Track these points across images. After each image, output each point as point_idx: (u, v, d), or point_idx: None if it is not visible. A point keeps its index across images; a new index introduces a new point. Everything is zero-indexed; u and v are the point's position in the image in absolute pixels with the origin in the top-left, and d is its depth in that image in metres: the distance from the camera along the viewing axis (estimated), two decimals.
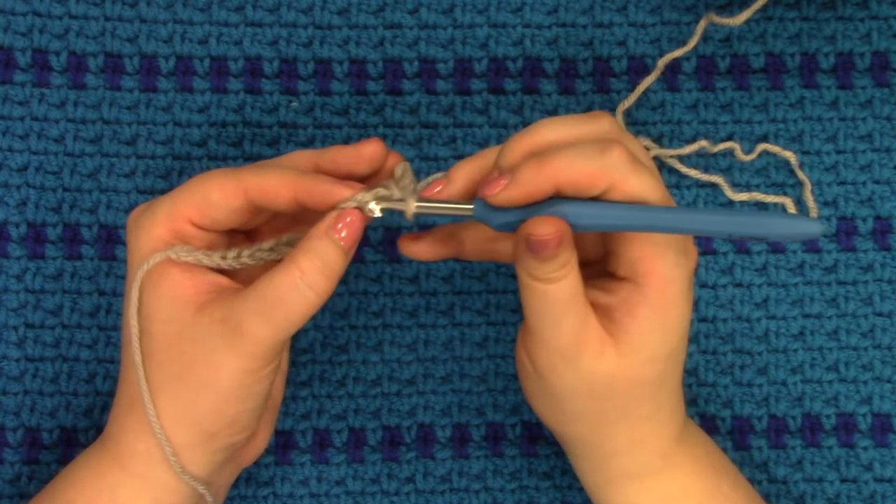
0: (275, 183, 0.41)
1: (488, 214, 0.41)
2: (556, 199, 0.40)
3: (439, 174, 0.44)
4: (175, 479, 0.43)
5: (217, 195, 0.42)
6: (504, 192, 0.40)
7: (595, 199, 0.40)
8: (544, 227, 0.39)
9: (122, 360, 0.44)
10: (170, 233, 0.42)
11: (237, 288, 0.43)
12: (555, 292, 0.40)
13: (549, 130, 0.41)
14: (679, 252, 0.41)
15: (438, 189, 0.42)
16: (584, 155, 0.39)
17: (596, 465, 0.45)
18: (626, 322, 0.41)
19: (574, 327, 0.41)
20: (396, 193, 0.42)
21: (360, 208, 0.41)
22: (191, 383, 0.41)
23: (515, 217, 0.40)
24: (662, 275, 0.41)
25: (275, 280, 0.40)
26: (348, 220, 0.41)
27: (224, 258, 0.43)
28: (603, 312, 0.42)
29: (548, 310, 0.41)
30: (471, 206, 0.41)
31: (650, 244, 0.40)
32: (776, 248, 0.53)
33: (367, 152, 0.44)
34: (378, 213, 0.42)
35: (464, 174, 0.43)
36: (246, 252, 0.43)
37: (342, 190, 0.41)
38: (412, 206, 0.42)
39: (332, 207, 0.41)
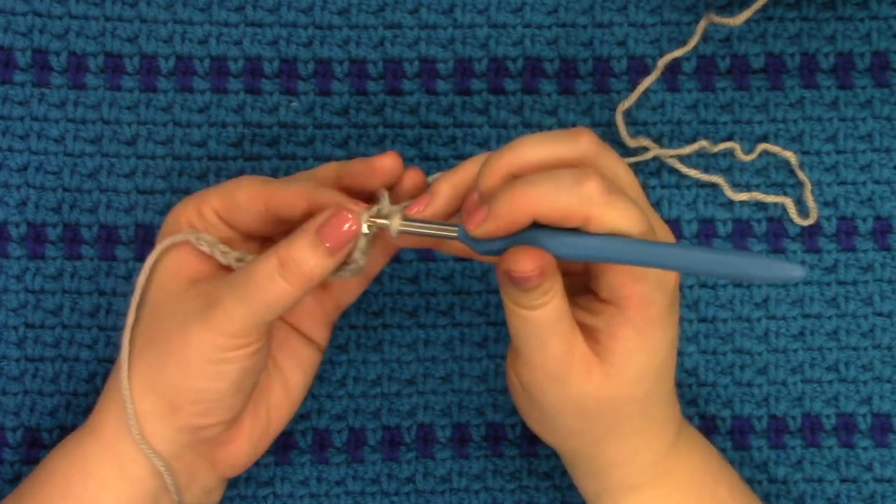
0: (293, 195, 0.43)
1: (471, 241, 0.41)
2: (537, 227, 0.39)
3: (437, 174, 0.44)
4: (139, 453, 0.43)
5: (243, 197, 0.43)
6: (483, 227, 0.39)
7: (575, 230, 0.39)
8: (524, 264, 0.39)
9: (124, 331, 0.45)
10: (196, 213, 0.44)
11: (224, 270, 0.45)
12: (539, 317, 0.40)
13: (529, 149, 0.40)
14: (660, 274, 0.41)
15: (420, 208, 0.42)
16: (559, 188, 0.38)
17: (590, 478, 0.45)
18: (609, 344, 0.41)
19: (559, 350, 0.41)
20: (384, 210, 0.42)
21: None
22: (161, 351, 0.42)
23: (497, 245, 0.40)
24: (643, 298, 0.40)
25: (256, 264, 0.41)
26: (338, 222, 0.41)
27: (239, 260, 0.44)
28: (588, 334, 0.42)
29: (532, 333, 0.41)
30: (455, 229, 0.41)
31: (629, 269, 0.40)
32: (776, 248, 0.53)
33: (381, 165, 0.44)
34: (365, 230, 0.42)
35: (447, 190, 0.42)
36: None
37: (348, 206, 0.42)
38: (396, 224, 0.42)
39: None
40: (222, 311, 0.41)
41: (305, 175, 0.46)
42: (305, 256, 0.41)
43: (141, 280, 0.44)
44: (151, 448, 0.43)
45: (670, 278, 0.41)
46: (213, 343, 0.41)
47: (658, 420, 0.44)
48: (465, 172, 0.42)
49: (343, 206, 0.42)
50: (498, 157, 0.40)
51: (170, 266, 0.44)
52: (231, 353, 0.42)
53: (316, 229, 0.41)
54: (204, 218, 0.44)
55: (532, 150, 0.40)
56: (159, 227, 0.47)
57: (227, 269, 0.44)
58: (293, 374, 0.48)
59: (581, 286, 0.43)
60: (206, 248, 0.44)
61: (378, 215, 0.42)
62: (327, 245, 0.41)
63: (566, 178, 0.38)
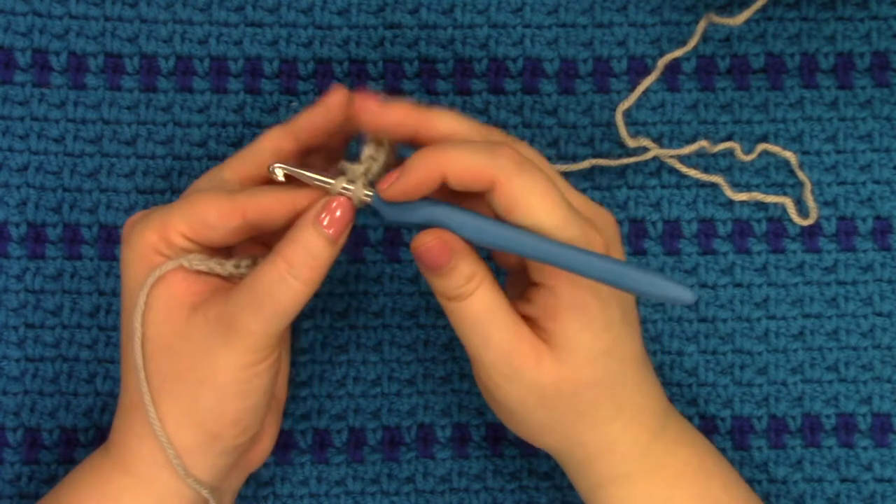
0: (271, 202, 0.42)
1: (384, 207, 0.41)
2: (442, 208, 0.40)
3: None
4: (180, 483, 0.43)
5: (214, 218, 0.41)
6: (395, 185, 0.40)
7: (482, 215, 0.40)
8: (425, 237, 0.39)
9: (123, 365, 0.44)
10: (162, 241, 0.42)
11: (230, 286, 0.43)
12: (469, 309, 0.40)
13: (446, 122, 0.41)
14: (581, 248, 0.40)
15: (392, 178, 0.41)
16: (472, 150, 0.39)
17: (578, 473, 0.45)
18: (551, 327, 0.41)
19: (502, 342, 0.41)
20: (356, 174, 0.42)
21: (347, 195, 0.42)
22: (190, 383, 0.42)
23: (407, 218, 0.40)
24: (568, 276, 0.40)
25: (262, 273, 0.41)
26: (334, 207, 0.41)
27: (237, 267, 0.43)
28: (533, 322, 0.41)
29: (470, 328, 0.41)
30: (370, 194, 0.41)
31: None
32: (776, 248, 0.53)
33: (334, 103, 0.43)
34: (363, 197, 0.42)
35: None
36: (261, 255, 0.44)
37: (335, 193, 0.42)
38: (337, 187, 0.42)
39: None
40: (244, 330, 0.41)
41: (251, 153, 0.44)
42: (313, 250, 0.41)
43: (136, 316, 0.42)
44: (199, 482, 0.43)
45: (595, 247, 0.41)
46: (242, 363, 0.41)
47: (630, 407, 0.43)
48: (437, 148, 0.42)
49: (333, 197, 0.41)
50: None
51: (162, 299, 0.42)
52: (259, 366, 0.42)
53: (314, 222, 0.41)
54: (172, 244, 0.42)
55: (450, 123, 0.42)
56: None
57: (223, 280, 0.43)
58: (284, 351, 0.48)
59: (522, 279, 0.43)
60: (203, 268, 0.42)
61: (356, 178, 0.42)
62: (330, 233, 0.41)
63: (481, 144, 0.40)
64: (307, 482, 0.52)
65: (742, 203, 0.54)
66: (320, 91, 0.54)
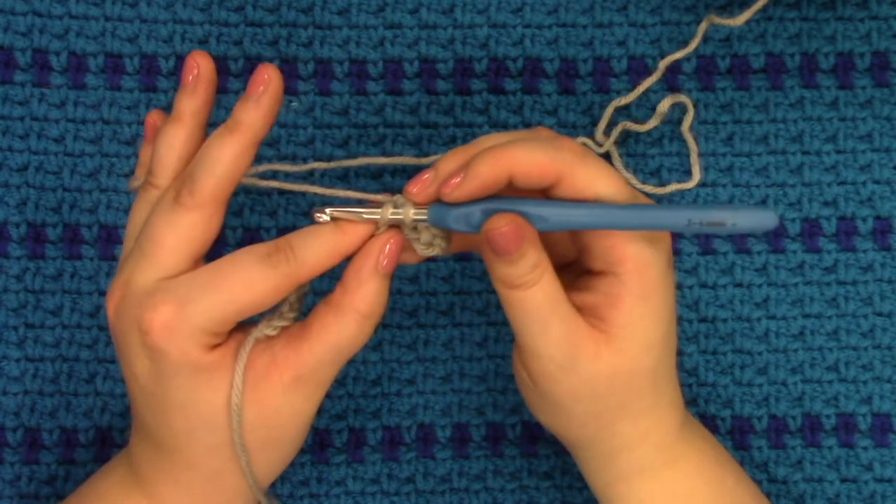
0: (321, 261, 0.40)
1: (442, 218, 0.40)
2: (510, 199, 0.40)
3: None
4: None
5: (269, 299, 0.40)
6: (461, 187, 0.39)
7: (550, 199, 0.40)
8: (500, 221, 0.39)
9: (181, 450, 0.42)
10: (213, 336, 0.40)
11: (281, 339, 0.42)
12: (532, 298, 0.40)
13: (492, 139, 0.41)
14: (651, 234, 0.41)
15: (427, 177, 0.41)
16: (535, 146, 0.39)
17: (603, 464, 0.45)
18: (613, 315, 0.41)
19: (562, 332, 0.40)
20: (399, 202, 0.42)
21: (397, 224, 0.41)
22: (276, 445, 0.42)
23: (474, 220, 0.40)
24: (637, 259, 0.40)
25: (344, 331, 0.40)
26: (391, 248, 0.41)
27: (291, 307, 0.42)
28: (589, 311, 0.41)
29: (530, 318, 0.40)
30: (423, 212, 0.41)
31: (620, 232, 0.40)
32: (776, 248, 0.53)
33: (277, 93, 0.41)
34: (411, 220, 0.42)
35: (485, 170, 0.41)
36: (304, 292, 0.43)
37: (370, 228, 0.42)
38: (388, 214, 0.41)
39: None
40: (325, 383, 0.42)
41: (217, 171, 0.40)
42: (381, 294, 0.41)
43: (236, 422, 0.40)
44: None
45: (663, 238, 0.41)
46: (316, 407, 0.42)
47: (666, 398, 0.44)
48: (472, 149, 0.42)
49: (387, 236, 0.41)
50: (461, 148, 0.41)
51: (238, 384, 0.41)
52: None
53: (378, 269, 0.41)
54: (221, 334, 0.40)
55: (495, 140, 0.41)
56: None
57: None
58: None
59: (572, 277, 0.43)
60: (273, 332, 0.42)
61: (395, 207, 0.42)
62: (389, 272, 0.41)
63: (543, 140, 0.40)
64: (307, 482, 0.52)
65: (742, 203, 0.54)
66: (321, 91, 0.54)
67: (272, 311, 0.42)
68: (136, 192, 0.43)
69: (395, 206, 0.41)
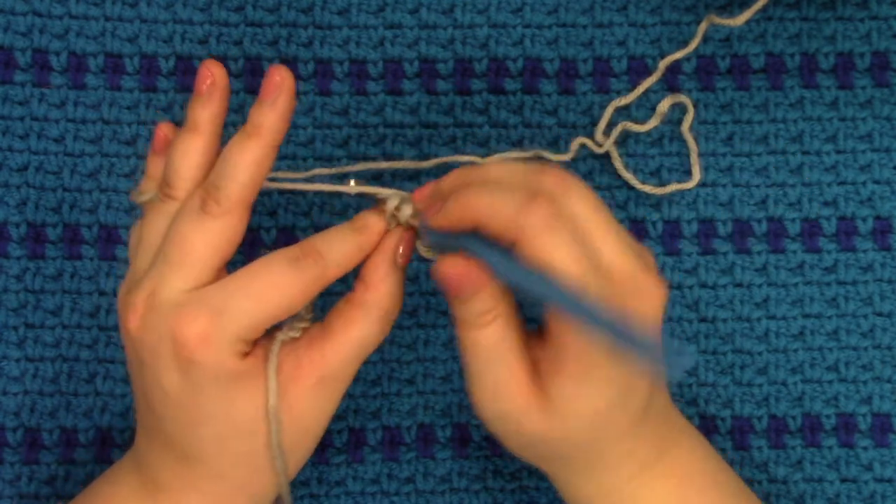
0: (346, 262, 0.41)
1: (427, 234, 0.42)
2: (484, 243, 0.39)
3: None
4: None
5: (300, 303, 0.40)
6: (434, 219, 0.40)
7: (514, 257, 0.39)
8: (448, 265, 0.39)
9: (212, 459, 0.42)
10: (247, 345, 0.40)
11: (303, 340, 0.42)
12: (478, 339, 0.40)
13: (494, 173, 0.41)
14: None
15: (432, 210, 0.41)
16: (505, 203, 0.38)
17: (564, 496, 0.45)
18: (551, 382, 0.40)
19: (501, 377, 0.40)
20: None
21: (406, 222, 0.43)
22: (301, 447, 0.42)
23: (444, 244, 0.41)
24: (577, 345, 0.39)
25: (367, 331, 0.41)
26: (409, 245, 0.42)
27: (308, 310, 0.43)
28: (536, 366, 0.41)
29: (471, 357, 0.41)
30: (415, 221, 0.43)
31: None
32: (776, 248, 0.53)
33: (290, 94, 0.42)
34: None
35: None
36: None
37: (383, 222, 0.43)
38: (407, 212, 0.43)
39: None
40: (347, 381, 0.42)
41: (244, 177, 0.41)
42: (400, 291, 0.42)
43: (275, 432, 0.41)
44: None
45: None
46: (339, 403, 0.43)
47: (612, 456, 0.42)
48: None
49: (403, 232, 0.42)
50: (466, 169, 0.42)
51: (254, 401, 0.41)
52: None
53: (396, 264, 0.42)
54: (251, 342, 0.40)
55: (498, 173, 0.41)
56: None
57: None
58: None
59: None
60: (299, 334, 0.42)
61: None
62: (403, 263, 0.42)
63: (517, 198, 0.38)
64: (307, 482, 0.52)
65: (742, 203, 0.54)
66: (321, 91, 0.54)
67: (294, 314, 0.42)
68: (145, 205, 0.43)
69: (402, 201, 0.43)
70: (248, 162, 0.40)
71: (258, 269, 0.40)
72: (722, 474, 0.47)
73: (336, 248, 0.41)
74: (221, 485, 0.42)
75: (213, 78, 0.42)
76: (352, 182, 0.43)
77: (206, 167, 0.42)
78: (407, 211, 0.42)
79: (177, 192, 0.42)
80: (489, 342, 0.40)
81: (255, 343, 0.41)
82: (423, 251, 0.43)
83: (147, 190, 0.43)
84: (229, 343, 0.39)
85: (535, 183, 0.39)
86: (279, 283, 0.39)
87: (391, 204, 0.43)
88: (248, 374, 0.40)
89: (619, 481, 0.43)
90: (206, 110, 0.42)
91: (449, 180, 0.42)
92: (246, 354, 0.40)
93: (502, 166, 0.41)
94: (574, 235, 0.38)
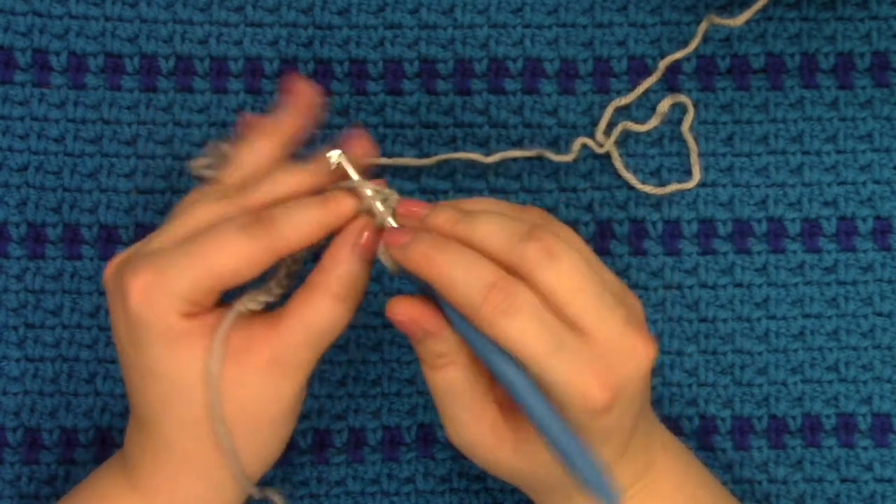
0: (304, 233, 0.40)
1: (388, 259, 0.41)
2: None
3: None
4: None
5: (248, 269, 0.39)
6: (395, 249, 0.40)
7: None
8: (399, 307, 0.39)
9: (161, 426, 0.42)
10: (190, 305, 0.40)
11: (261, 319, 0.42)
12: (436, 379, 0.40)
13: (481, 226, 0.40)
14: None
15: (401, 241, 0.41)
16: (468, 280, 0.38)
17: None
18: (520, 418, 0.40)
19: (465, 419, 0.41)
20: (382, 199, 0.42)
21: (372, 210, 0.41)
22: (251, 428, 0.42)
23: (408, 275, 0.40)
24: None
25: (317, 312, 0.40)
26: (373, 234, 0.41)
27: (280, 283, 0.43)
28: (509, 405, 0.41)
29: (434, 394, 0.41)
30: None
31: None
32: (776, 248, 0.53)
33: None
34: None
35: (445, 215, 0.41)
36: (290, 261, 0.43)
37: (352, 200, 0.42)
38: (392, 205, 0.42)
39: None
40: (301, 365, 0.41)
41: (264, 190, 0.42)
42: (358, 277, 0.41)
43: (211, 389, 0.40)
44: None
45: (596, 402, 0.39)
46: (297, 393, 0.42)
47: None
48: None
49: (367, 220, 0.41)
50: (450, 205, 0.41)
51: (196, 359, 0.41)
52: (305, 386, 0.43)
53: (354, 250, 0.41)
54: (199, 303, 0.40)
55: (483, 224, 0.40)
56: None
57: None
58: None
59: None
60: (258, 307, 0.42)
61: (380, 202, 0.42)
62: (368, 256, 0.41)
63: (481, 276, 0.38)
64: (307, 482, 0.52)
65: (742, 203, 0.54)
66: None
67: (260, 286, 0.42)
68: (200, 181, 0.43)
69: (385, 200, 0.41)
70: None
71: (209, 232, 0.40)
72: (701, 489, 0.47)
73: (292, 221, 0.40)
74: (171, 456, 0.42)
75: (308, 98, 0.43)
76: (334, 155, 0.41)
77: (263, 172, 0.42)
78: (386, 214, 0.41)
79: (228, 181, 0.43)
80: (447, 384, 0.40)
81: (213, 310, 0.41)
82: (383, 259, 0.41)
83: (208, 166, 0.43)
84: (170, 300, 0.39)
85: (517, 250, 0.38)
86: (226, 246, 0.39)
87: (370, 199, 0.41)
88: (192, 335, 0.40)
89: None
90: (290, 124, 0.43)
91: (438, 221, 0.40)
92: (192, 316, 0.40)
93: (492, 222, 0.39)
94: (538, 313, 0.37)
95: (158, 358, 0.40)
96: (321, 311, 0.40)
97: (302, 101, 0.44)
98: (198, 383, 0.40)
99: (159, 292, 0.39)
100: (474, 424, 0.41)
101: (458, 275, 0.38)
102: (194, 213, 0.41)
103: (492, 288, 0.37)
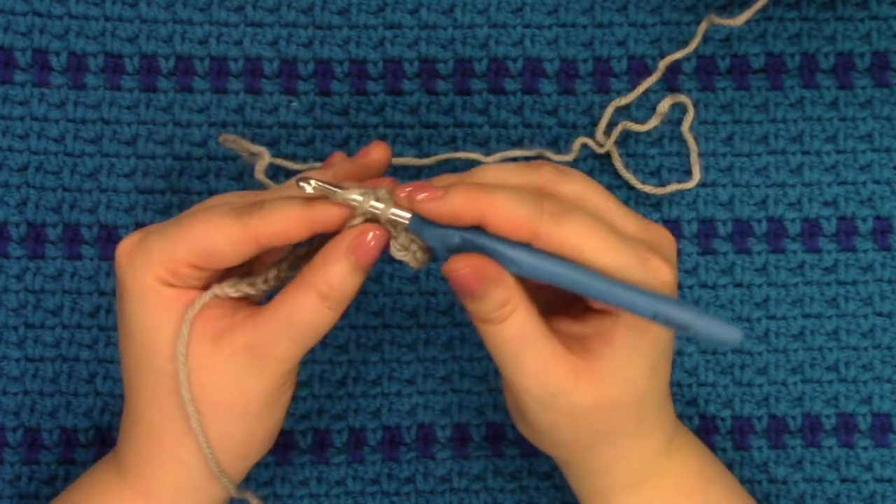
0: (285, 225, 0.40)
1: (423, 229, 0.40)
2: (490, 236, 0.39)
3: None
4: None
5: (225, 246, 0.40)
6: (431, 203, 0.39)
7: (528, 247, 0.39)
8: (459, 262, 0.39)
9: (134, 397, 0.43)
10: (170, 274, 0.41)
11: (246, 309, 0.42)
12: (504, 333, 0.40)
13: (492, 174, 0.40)
14: (655, 269, 0.40)
15: (427, 195, 0.40)
16: (516, 201, 0.38)
17: (584, 480, 0.45)
18: (601, 349, 0.40)
19: (536, 366, 0.40)
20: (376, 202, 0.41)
21: (377, 218, 0.40)
22: (221, 415, 0.42)
23: (445, 241, 0.39)
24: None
25: (298, 305, 0.40)
26: (369, 240, 0.40)
27: (266, 282, 0.43)
28: (575, 341, 0.41)
29: (503, 352, 0.40)
30: (408, 216, 0.40)
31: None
32: (776, 248, 0.53)
33: (376, 160, 0.43)
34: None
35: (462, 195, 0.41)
36: (285, 266, 0.43)
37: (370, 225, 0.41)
38: (387, 213, 0.40)
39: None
40: (276, 359, 0.41)
41: (273, 194, 0.42)
42: (345, 281, 0.40)
43: (181, 358, 0.41)
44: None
45: (664, 270, 0.40)
46: (272, 389, 0.42)
47: (650, 424, 0.43)
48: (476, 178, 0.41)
49: (367, 226, 0.41)
50: (460, 176, 0.41)
51: (176, 328, 0.41)
52: (285, 387, 0.42)
53: (347, 254, 0.40)
54: (180, 275, 0.41)
55: (496, 175, 0.40)
56: None
57: (237, 299, 0.43)
58: None
59: (567, 296, 0.42)
60: (235, 294, 0.42)
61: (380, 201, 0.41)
62: (361, 263, 0.40)
63: (525, 194, 0.39)
64: (307, 482, 0.52)
65: (742, 203, 0.54)
66: (320, 91, 0.54)
67: (248, 279, 0.42)
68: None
69: (377, 199, 0.40)
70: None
71: (202, 206, 0.42)
72: (716, 466, 0.48)
73: (279, 211, 0.40)
74: (139, 428, 0.43)
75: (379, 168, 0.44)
76: (311, 184, 0.40)
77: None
78: (389, 207, 0.40)
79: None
80: (515, 333, 0.40)
81: (193, 288, 0.41)
82: (396, 250, 0.41)
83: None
84: (148, 262, 0.40)
85: (534, 178, 0.40)
86: (211, 222, 0.40)
87: (366, 202, 0.40)
88: (167, 302, 0.41)
89: (651, 454, 0.44)
90: (351, 173, 0.44)
91: (442, 180, 0.41)
92: (171, 286, 0.41)
93: (498, 167, 0.41)
94: (591, 214, 0.39)
95: (132, 318, 0.41)
96: (302, 305, 0.40)
97: (369, 161, 0.44)
98: (167, 352, 0.41)
99: (140, 252, 0.41)
100: (552, 366, 0.40)
101: (507, 197, 0.38)
102: (205, 201, 0.43)
103: (542, 199, 0.38)
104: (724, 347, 0.37)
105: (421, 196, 0.39)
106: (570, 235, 0.38)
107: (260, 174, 0.48)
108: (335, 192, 0.40)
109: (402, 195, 0.39)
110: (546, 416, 0.42)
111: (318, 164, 0.52)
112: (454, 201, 0.38)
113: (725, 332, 0.38)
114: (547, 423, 0.42)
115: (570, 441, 0.43)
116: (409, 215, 0.40)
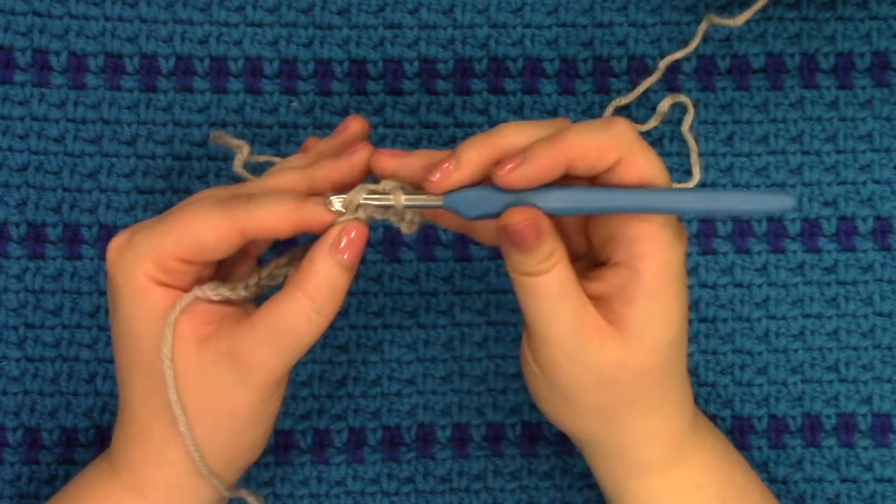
0: (272, 220, 0.40)
1: (461, 205, 0.40)
2: (532, 192, 0.40)
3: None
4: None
5: (211, 239, 0.40)
6: (518, 171, 0.39)
7: (574, 186, 0.40)
8: (518, 215, 0.39)
9: (127, 394, 0.43)
10: (158, 269, 0.41)
11: (235, 314, 0.42)
12: (544, 285, 0.40)
13: (517, 131, 0.41)
14: (674, 233, 0.41)
15: (447, 165, 0.40)
16: (590, 131, 0.40)
17: (612, 460, 0.45)
18: (625, 312, 0.41)
19: (571, 318, 0.41)
20: (384, 187, 0.41)
21: (360, 218, 0.41)
22: (207, 419, 0.41)
23: (487, 209, 0.40)
24: (660, 256, 0.40)
25: (284, 310, 0.40)
26: (352, 235, 0.40)
27: (247, 287, 0.42)
28: (600, 303, 0.41)
29: (541, 304, 0.41)
30: (439, 199, 0.41)
31: (648, 223, 0.40)
32: (776, 248, 0.53)
33: (359, 161, 0.42)
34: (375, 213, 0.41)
35: (475, 157, 0.41)
36: (265, 274, 0.43)
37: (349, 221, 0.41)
38: (401, 199, 0.41)
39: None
40: (264, 367, 0.40)
41: (259, 189, 0.42)
42: (336, 283, 0.40)
43: (167, 357, 0.40)
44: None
45: (682, 242, 0.41)
46: (260, 397, 0.41)
47: (674, 396, 0.44)
48: (495, 139, 0.41)
49: (348, 222, 0.41)
50: (482, 136, 0.41)
51: (163, 330, 0.41)
52: (273, 397, 0.42)
53: (331, 252, 0.40)
54: (169, 270, 0.41)
55: (520, 132, 0.41)
56: None
57: (222, 303, 0.42)
58: None
59: (582, 268, 0.43)
60: (216, 297, 0.41)
61: (378, 192, 0.41)
62: (346, 260, 0.40)
63: (596, 122, 0.40)
64: (307, 482, 0.52)
65: None
66: (320, 91, 0.54)
67: (231, 284, 0.42)
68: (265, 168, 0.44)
69: (384, 191, 0.41)
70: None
71: (189, 199, 0.42)
72: (734, 455, 0.48)
73: (266, 205, 0.40)
74: (129, 426, 0.43)
75: (360, 154, 0.43)
76: (339, 202, 0.41)
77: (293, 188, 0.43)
78: (400, 197, 0.40)
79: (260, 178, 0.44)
80: (556, 284, 0.40)
81: (183, 286, 0.41)
82: (405, 228, 0.41)
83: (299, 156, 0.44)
84: (138, 258, 0.40)
85: (555, 126, 0.41)
86: (198, 214, 0.40)
87: (398, 197, 0.40)
88: (156, 299, 0.41)
89: (677, 434, 0.44)
90: (335, 171, 0.43)
91: (471, 146, 0.40)
92: (160, 283, 0.41)
93: (518, 127, 0.41)
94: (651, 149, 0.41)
95: (123, 316, 0.41)
96: (288, 309, 0.40)
97: (352, 160, 0.43)
98: (156, 352, 0.41)
99: (129, 249, 0.41)
100: (587, 321, 0.41)
101: (582, 132, 0.40)
102: (191, 196, 0.43)
103: (608, 122, 0.40)
104: (781, 214, 0.40)
105: (504, 169, 0.39)
106: (648, 162, 0.40)
107: (239, 167, 0.47)
108: (365, 202, 0.41)
109: (435, 179, 0.40)
110: (573, 374, 0.42)
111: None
112: (539, 161, 0.39)
113: (777, 202, 0.40)
114: (573, 384, 0.42)
115: (594, 408, 0.43)
116: (440, 200, 0.40)
